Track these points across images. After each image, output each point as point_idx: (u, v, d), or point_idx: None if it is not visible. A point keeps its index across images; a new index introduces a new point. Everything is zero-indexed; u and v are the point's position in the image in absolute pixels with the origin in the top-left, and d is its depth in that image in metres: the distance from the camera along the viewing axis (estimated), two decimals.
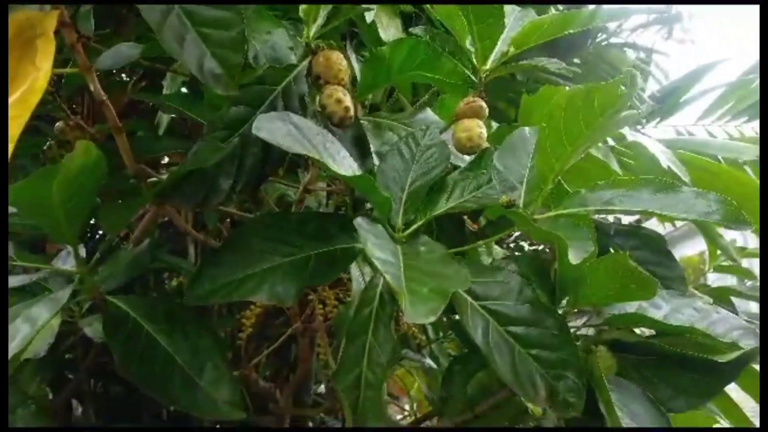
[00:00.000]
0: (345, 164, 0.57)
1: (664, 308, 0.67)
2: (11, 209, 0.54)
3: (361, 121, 0.81)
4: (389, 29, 0.80)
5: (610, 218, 1.14)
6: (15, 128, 0.35)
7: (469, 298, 0.60)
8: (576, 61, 2.03)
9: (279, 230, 0.57)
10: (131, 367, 0.53)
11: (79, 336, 0.85)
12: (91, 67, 0.49)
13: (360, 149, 0.69)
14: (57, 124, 0.66)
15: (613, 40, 2.11)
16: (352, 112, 0.65)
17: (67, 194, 0.45)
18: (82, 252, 0.60)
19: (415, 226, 0.64)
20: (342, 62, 0.66)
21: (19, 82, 0.36)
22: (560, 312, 0.65)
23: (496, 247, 1.00)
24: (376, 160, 0.71)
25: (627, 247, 0.97)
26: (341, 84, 0.65)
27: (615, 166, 0.84)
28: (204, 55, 0.51)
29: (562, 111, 0.48)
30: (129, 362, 0.53)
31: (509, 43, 0.68)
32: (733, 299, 1.09)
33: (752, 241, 1.55)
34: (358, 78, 0.77)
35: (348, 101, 0.65)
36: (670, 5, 1.72)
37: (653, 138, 0.90)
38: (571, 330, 0.67)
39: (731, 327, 0.65)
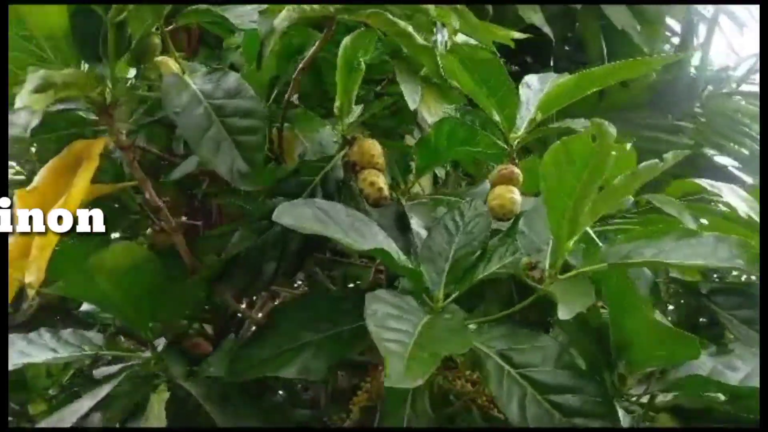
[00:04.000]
0: (371, 240, 0.60)
1: (741, 370, 0.60)
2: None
3: (423, 197, 0.86)
4: (436, 114, 0.85)
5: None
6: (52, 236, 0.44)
7: (507, 366, 0.58)
8: (699, 109, 1.91)
9: (315, 310, 0.61)
10: None
11: None
12: (146, 179, 0.59)
13: (401, 225, 0.73)
14: (148, 230, 0.78)
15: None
16: (386, 193, 0.69)
17: (121, 290, 0.54)
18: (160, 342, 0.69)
19: (453, 296, 0.65)
20: (375, 148, 0.71)
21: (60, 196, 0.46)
22: (617, 378, 0.61)
23: None
24: (424, 234, 0.74)
25: (728, 306, 0.88)
26: (376, 167, 0.71)
27: (688, 220, 0.79)
28: (236, 158, 0.59)
29: (553, 167, 0.49)
30: None
31: (536, 109, 0.69)
32: None
33: None
34: None
35: (381, 183, 0.70)
36: None
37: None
38: (633, 397, 0.62)
39: None
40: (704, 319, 0.94)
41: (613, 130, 0.46)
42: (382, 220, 0.74)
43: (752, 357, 0.62)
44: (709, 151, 1.67)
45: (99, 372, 0.70)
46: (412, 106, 0.84)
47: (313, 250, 0.67)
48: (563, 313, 0.46)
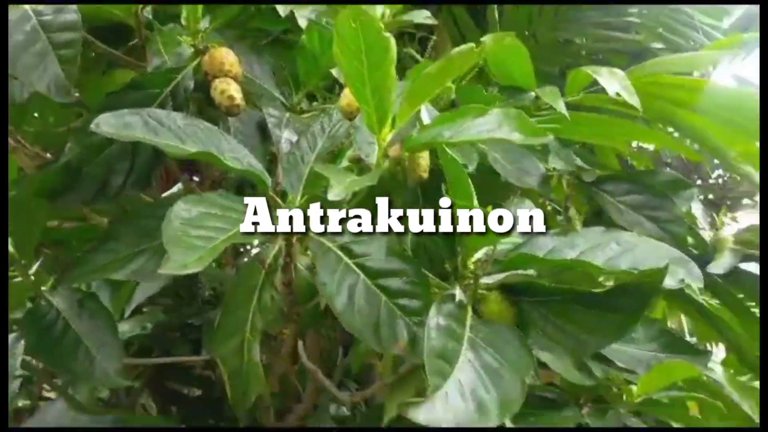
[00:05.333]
0: (202, 145, 0.60)
1: (579, 247, 0.61)
2: None
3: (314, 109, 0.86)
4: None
5: None
6: None
7: (345, 257, 0.60)
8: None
9: (156, 218, 0.62)
10: (44, 350, 0.62)
11: None
12: None
13: (262, 133, 0.73)
14: None
15: None
16: (238, 101, 0.69)
17: None
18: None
19: (305, 197, 0.66)
20: (228, 57, 0.71)
21: None
22: (459, 261, 0.63)
23: None
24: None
25: (617, 194, 0.88)
26: (228, 76, 0.70)
27: (561, 107, 0.78)
28: (56, 72, 0.59)
29: (341, 57, 0.48)
30: (42, 346, 0.62)
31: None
32: None
33: None
34: None
35: (233, 91, 0.69)
36: None
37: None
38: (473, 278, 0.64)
39: (662, 257, 0.57)
40: None
41: (374, 12, 0.45)
42: (243, 128, 0.74)
43: (594, 234, 0.62)
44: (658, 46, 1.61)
45: None
46: (282, 13, 0.83)
47: (164, 163, 0.67)
48: (331, 195, 0.47)
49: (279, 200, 0.65)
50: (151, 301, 1.14)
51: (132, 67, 0.79)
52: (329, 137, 0.72)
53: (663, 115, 0.93)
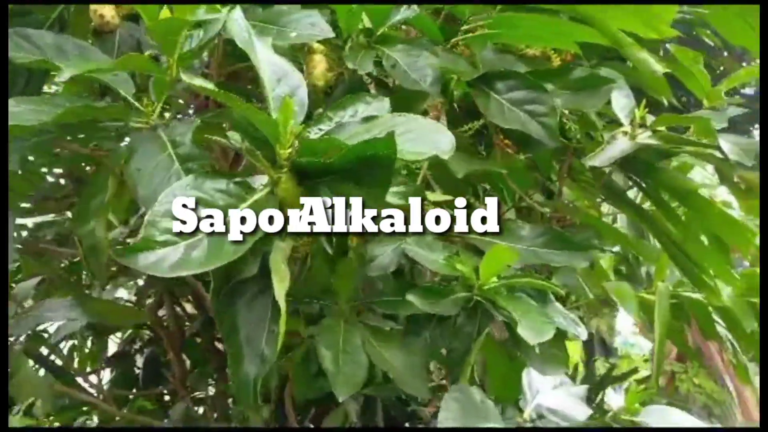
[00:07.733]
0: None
1: (376, 130, 0.65)
2: None
3: None
4: None
5: None
6: None
7: (171, 148, 0.69)
8: None
9: None
10: None
11: None
12: None
13: (138, 46, 0.83)
14: None
15: None
16: (108, 18, 0.79)
17: None
18: None
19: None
20: None
21: None
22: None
23: None
24: None
25: (504, 91, 0.87)
26: None
27: None
28: None
29: None
30: None
31: None
32: None
33: None
34: None
35: (104, 10, 0.79)
36: None
37: None
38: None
39: (425, 138, 0.61)
40: None
41: None
42: (125, 42, 0.84)
43: (394, 120, 0.66)
44: None
45: None
46: None
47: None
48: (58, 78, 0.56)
49: (137, 104, 0.75)
50: None
51: None
52: (198, 45, 0.80)
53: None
